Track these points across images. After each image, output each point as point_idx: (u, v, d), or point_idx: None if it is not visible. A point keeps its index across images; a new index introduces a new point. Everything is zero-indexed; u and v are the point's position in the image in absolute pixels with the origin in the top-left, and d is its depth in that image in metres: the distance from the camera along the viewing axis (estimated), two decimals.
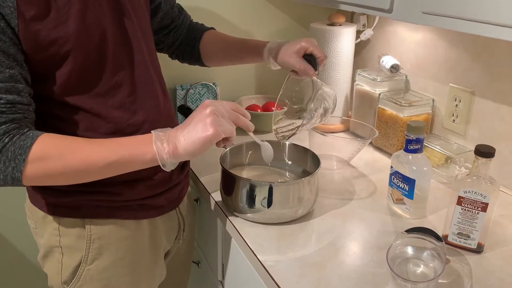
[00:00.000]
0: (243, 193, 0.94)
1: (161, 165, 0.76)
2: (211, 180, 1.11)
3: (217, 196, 1.05)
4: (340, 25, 1.35)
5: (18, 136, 0.71)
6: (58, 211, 0.86)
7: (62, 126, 0.80)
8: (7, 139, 0.70)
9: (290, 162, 1.10)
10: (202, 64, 1.17)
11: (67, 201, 0.85)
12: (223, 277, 1.14)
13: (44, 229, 0.89)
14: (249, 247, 0.89)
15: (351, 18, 1.52)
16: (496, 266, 0.84)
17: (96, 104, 0.81)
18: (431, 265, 0.79)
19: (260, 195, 0.92)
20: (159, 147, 0.74)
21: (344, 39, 1.33)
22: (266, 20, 1.51)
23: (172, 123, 0.89)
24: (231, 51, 1.11)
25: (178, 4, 1.15)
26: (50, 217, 0.87)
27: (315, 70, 0.97)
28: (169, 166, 0.77)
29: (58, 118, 0.80)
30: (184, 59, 1.18)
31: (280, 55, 1.00)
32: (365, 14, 1.44)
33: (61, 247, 0.88)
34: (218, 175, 1.02)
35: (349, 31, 1.34)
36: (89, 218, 0.87)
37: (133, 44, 0.85)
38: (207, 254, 1.25)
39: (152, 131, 0.77)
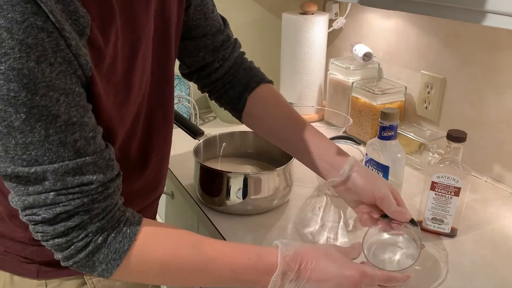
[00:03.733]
0: (218, 185, 0.92)
1: None
2: (185, 173, 1.09)
3: (191, 189, 1.03)
4: (312, 14, 1.34)
5: (113, 235, 0.57)
6: (46, 272, 0.69)
7: None
8: (100, 238, 0.56)
9: (264, 152, 1.09)
10: (239, 118, 0.88)
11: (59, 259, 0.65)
12: None
13: None
14: (225, 239, 0.87)
15: (323, 6, 1.51)
16: (469, 249, 0.85)
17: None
18: (406, 251, 0.79)
19: (235, 186, 0.91)
20: (275, 284, 0.62)
21: (316, 28, 1.32)
22: (238, 9, 1.48)
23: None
24: (289, 137, 0.83)
25: (223, 20, 0.86)
26: (30, 281, 0.69)
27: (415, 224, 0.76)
28: None
29: None
30: (221, 103, 0.89)
31: (366, 186, 0.75)
32: (337, 2, 1.44)
33: None
34: (192, 168, 1.00)
35: (321, 20, 1.33)
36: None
37: (167, 87, 0.74)
38: None
39: (279, 257, 0.62)
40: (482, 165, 1.10)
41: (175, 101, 1.39)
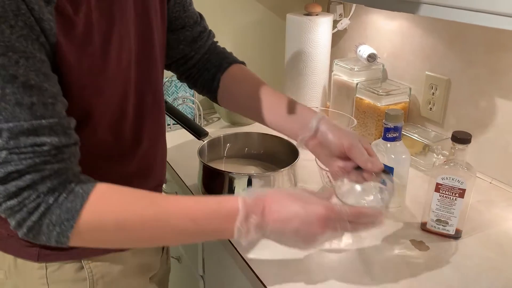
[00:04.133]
0: (223, 185, 0.92)
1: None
2: (189, 174, 1.09)
3: (196, 189, 1.03)
4: (316, 15, 1.34)
5: (65, 195, 0.57)
6: (46, 255, 0.70)
7: None
8: (51, 199, 0.56)
9: (268, 153, 1.09)
10: (214, 99, 0.92)
11: None
12: (204, 271, 1.13)
13: (22, 280, 0.73)
14: (229, 240, 0.87)
15: (327, 7, 1.51)
16: (473, 251, 0.85)
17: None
18: (379, 196, 0.73)
19: (239, 187, 0.91)
20: (241, 231, 0.61)
21: (321, 29, 1.32)
22: (241, 10, 1.49)
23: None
24: (258, 104, 0.85)
25: (198, 13, 0.92)
26: (32, 264, 0.71)
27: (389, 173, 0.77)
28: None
29: None
30: (196, 86, 0.94)
31: (336, 138, 0.77)
32: (341, 3, 1.44)
33: None
34: (196, 168, 1.00)
35: (325, 21, 1.33)
36: (86, 258, 0.73)
37: (153, 70, 0.77)
38: (187, 249, 1.24)
39: (239, 202, 0.62)
40: (487, 166, 1.10)
41: (180, 102, 1.40)
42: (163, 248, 0.94)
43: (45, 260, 0.71)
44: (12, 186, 0.55)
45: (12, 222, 0.57)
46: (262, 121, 0.86)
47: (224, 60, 0.91)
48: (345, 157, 0.76)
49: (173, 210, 0.61)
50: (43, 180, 0.56)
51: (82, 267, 0.73)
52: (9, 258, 0.72)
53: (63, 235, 0.58)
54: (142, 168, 0.78)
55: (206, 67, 0.91)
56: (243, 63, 0.93)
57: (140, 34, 0.71)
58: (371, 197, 0.74)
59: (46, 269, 0.71)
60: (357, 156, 0.74)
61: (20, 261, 0.72)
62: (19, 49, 0.52)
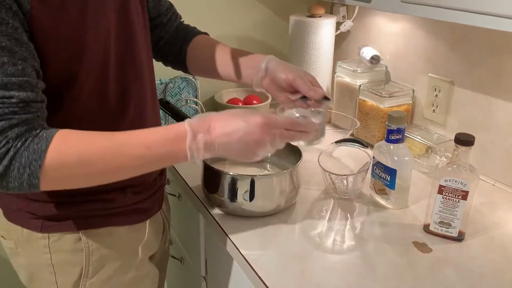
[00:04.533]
0: (225, 187, 0.92)
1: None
2: (192, 175, 1.10)
3: (198, 190, 1.03)
4: (320, 16, 1.34)
5: (31, 139, 0.63)
6: (48, 227, 0.79)
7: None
8: (19, 143, 0.63)
9: (271, 155, 1.09)
10: (185, 70, 1.03)
11: (58, 214, 0.79)
12: (206, 272, 1.13)
13: (28, 248, 0.82)
14: (231, 241, 0.88)
15: (330, 9, 1.51)
16: (476, 253, 0.84)
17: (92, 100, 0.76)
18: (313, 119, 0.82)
19: (242, 189, 0.91)
20: (193, 149, 0.69)
21: (324, 31, 1.32)
22: (245, 11, 1.49)
23: (156, 123, 0.89)
24: (220, 62, 0.96)
25: (168, 0, 1.04)
26: (36, 234, 0.79)
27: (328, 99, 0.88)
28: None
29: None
30: (168, 61, 1.05)
31: (282, 71, 0.88)
32: (344, 5, 1.44)
33: (52, 265, 0.81)
34: (199, 169, 1.01)
35: (329, 23, 1.33)
36: (84, 230, 0.81)
37: (134, 43, 0.81)
38: (189, 250, 1.24)
39: (186, 124, 0.69)
40: (490, 168, 1.10)
41: (183, 103, 1.40)
42: (163, 230, 0.99)
43: (47, 231, 0.79)
44: None
45: None
46: (227, 77, 0.97)
47: (189, 33, 1.02)
48: (294, 90, 0.88)
49: (128, 140, 0.68)
50: (11, 127, 0.62)
51: (80, 239, 0.80)
52: (18, 229, 0.80)
53: (33, 176, 0.63)
54: None
55: (174, 42, 1.02)
56: (205, 33, 1.04)
57: (118, 10, 0.77)
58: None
59: (49, 239, 0.79)
60: (301, 86, 0.86)
61: (26, 231, 0.80)
62: None
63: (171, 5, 1.04)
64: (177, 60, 1.02)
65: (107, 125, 0.72)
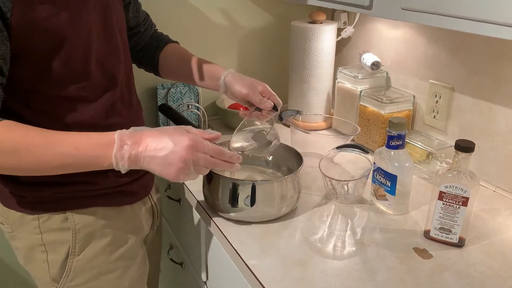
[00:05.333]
0: (226, 192, 0.93)
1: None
2: (193, 180, 1.10)
3: (199, 195, 1.03)
4: (321, 23, 1.35)
5: None
6: (37, 208, 0.85)
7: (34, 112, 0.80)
8: None
9: (272, 160, 1.09)
10: (158, 74, 1.14)
11: (45, 196, 0.85)
12: (207, 277, 1.13)
13: (22, 230, 0.88)
14: (232, 246, 0.88)
15: (331, 15, 1.52)
16: (477, 259, 0.85)
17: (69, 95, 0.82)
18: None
19: (243, 194, 0.91)
20: (118, 157, 0.74)
21: (325, 37, 1.33)
22: (246, 18, 1.50)
23: (137, 118, 0.96)
24: (187, 69, 1.08)
25: (145, 11, 1.14)
26: (28, 216, 0.86)
27: (276, 110, 0.98)
28: (125, 170, 0.76)
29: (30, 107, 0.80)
30: (141, 65, 1.16)
31: (237, 86, 0.99)
32: (345, 11, 1.45)
33: (44, 244, 0.87)
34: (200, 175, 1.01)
35: (330, 29, 1.34)
36: (70, 210, 0.87)
37: (112, 41, 0.88)
38: (190, 255, 1.24)
39: (116, 133, 0.75)
40: (491, 175, 1.10)
41: (184, 108, 1.41)
42: (152, 215, 1.04)
43: (37, 212, 0.85)
44: None
45: None
46: (193, 84, 1.09)
47: (161, 41, 1.13)
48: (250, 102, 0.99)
49: (61, 139, 0.74)
50: None
51: (67, 218, 0.86)
52: (12, 213, 0.87)
53: None
54: (121, 99, 0.91)
55: (148, 49, 1.13)
56: (176, 42, 1.15)
57: (102, 14, 0.85)
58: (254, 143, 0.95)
59: (39, 219, 0.86)
60: (253, 100, 0.97)
61: (19, 214, 0.86)
62: None
63: (147, 15, 1.15)
64: (150, 65, 1.13)
65: (97, 93, 0.84)
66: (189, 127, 0.81)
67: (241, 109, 1.42)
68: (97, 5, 0.84)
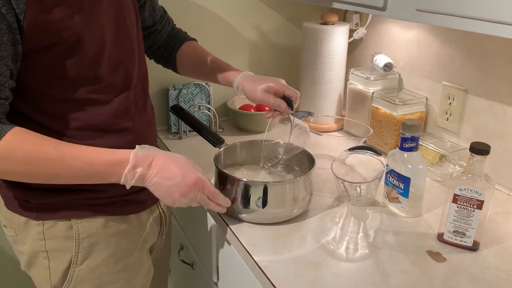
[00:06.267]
0: (238, 193, 0.93)
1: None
2: None
3: None
4: (333, 24, 1.34)
5: None
6: (42, 214, 0.84)
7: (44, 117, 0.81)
8: None
9: (284, 161, 1.09)
10: (176, 71, 1.16)
11: (51, 202, 0.84)
12: (218, 278, 1.13)
13: (26, 235, 0.87)
14: (244, 247, 0.88)
15: (344, 17, 1.52)
16: (491, 263, 0.84)
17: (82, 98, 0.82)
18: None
19: (255, 195, 0.91)
20: (128, 177, 0.77)
21: (337, 38, 1.33)
22: (258, 19, 1.50)
23: (149, 123, 0.96)
24: (204, 70, 1.10)
25: (162, 7, 1.13)
26: (32, 222, 0.85)
27: (291, 109, 0.99)
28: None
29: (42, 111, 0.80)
30: (160, 62, 1.17)
31: (250, 91, 1.01)
32: (358, 12, 1.44)
33: (46, 251, 0.86)
34: (211, 176, 1.01)
35: (342, 30, 1.33)
36: (75, 218, 0.86)
37: (125, 45, 0.88)
38: (201, 256, 1.24)
39: (131, 154, 0.78)
40: (505, 178, 1.09)
41: (196, 109, 1.41)
42: (160, 223, 1.03)
43: (42, 218, 0.85)
44: None
45: None
46: (210, 81, 1.12)
47: (177, 40, 1.13)
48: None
49: (74, 154, 0.76)
50: None
51: (71, 227, 0.85)
52: (16, 217, 0.86)
53: None
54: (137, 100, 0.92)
55: (165, 47, 1.13)
56: (193, 39, 1.16)
57: (115, 18, 0.85)
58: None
59: (43, 226, 0.85)
60: (269, 104, 1.00)
61: (24, 219, 0.85)
62: None
63: (165, 12, 1.14)
64: (167, 63, 1.15)
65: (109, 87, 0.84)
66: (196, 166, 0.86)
67: (252, 110, 1.43)
68: (110, 9, 0.83)
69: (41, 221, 0.85)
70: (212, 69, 1.08)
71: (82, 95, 0.81)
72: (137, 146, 0.80)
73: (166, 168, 0.80)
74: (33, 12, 0.70)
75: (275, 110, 1.01)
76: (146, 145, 0.81)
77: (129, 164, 0.77)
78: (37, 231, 0.85)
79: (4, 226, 0.91)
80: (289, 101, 0.99)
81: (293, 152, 1.03)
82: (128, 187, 0.79)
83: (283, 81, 1.01)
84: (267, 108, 1.42)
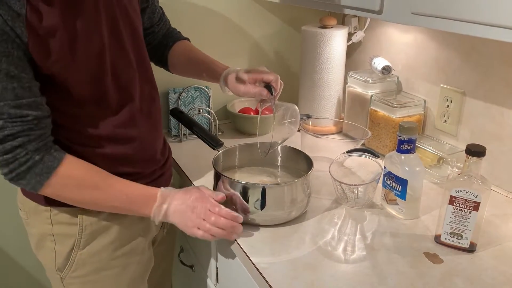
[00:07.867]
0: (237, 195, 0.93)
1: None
2: (204, 183, 1.11)
3: None
4: (331, 27, 1.35)
5: (47, 156, 0.80)
6: (51, 201, 0.89)
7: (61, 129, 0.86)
8: (37, 156, 0.79)
9: (282, 164, 1.10)
10: (168, 70, 1.18)
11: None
12: (217, 280, 1.14)
13: (36, 219, 0.94)
14: (242, 249, 0.88)
15: (342, 20, 1.53)
16: (488, 265, 0.84)
17: (84, 110, 0.86)
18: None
19: (253, 197, 0.92)
20: (156, 214, 0.89)
21: (335, 42, 1.33)
22: (257, 23, 1.51)
23: (153, 129, 0.98)
24: (194, 68, 1.13)
25: (161, 8, 1.15)
26: (42, 207, 0.91)
27: (271, 94, 0.98)
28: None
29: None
30: (153, 60, 1.17)
31: (232, 86, 1.02)
32: (356, 16, 1.45)
33: (53, 235, 0.93)
34: (211, 178, 1.02)
35: (340, 34, 1.34)
36: (81, 209, 0.91)
37: (125, 56, 0.90)
38: (201, 258, 1.25)
39: (158, 195, 0.89)
40: (503, 180, 1.09)
41: (195, 112, 1.42)
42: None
43: (50, 205, 0.91)
44: (8, 145, 0.77)
45: (5, 170, 0.79)
46: (200, 78, 1.15)
47: (170, 39, 1.16)
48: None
49: (114, 183, 0.88)
50: (31, 142, 0.78)
51: (76, 215, 0.92)
52: (29, 202, 0.93)
53: (39, 184, 0.81)
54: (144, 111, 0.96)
55: (158, 47, 1.16)
56: (185, 38, 1.18)
57: (109, 30, 0.87)
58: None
59: (51, 212, 0.92)
60: (250, 93, 1.00)
61: (34, 204, 0.92)
62: (1, 50, 0.72)
63: (163, 13, 1.16)
64: (160, 62, 1.18)
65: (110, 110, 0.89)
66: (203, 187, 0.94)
67: (252, 113, 1.43)
68: (106, 22, 0.85)
69: (49, 207, 0.91)
70: (202, 68, 1.11)
71: (89, 111, 0.86)
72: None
73: (183, 205, 0.90)
74: (34, 41, 0.75)
75: (261, 100, 1.01)
76: (169, 187, 0.92)
77: (157, 201, 0.88)
78: (45, 216, 0.92)
79: (20, 209, 0.99)
80: (268, 87, 0.98)
81: (283, 134, 1.02)
82: (157, 222, 0.91)
83: (264, 68, 1.01)
84: (266, 112, 1.43)
